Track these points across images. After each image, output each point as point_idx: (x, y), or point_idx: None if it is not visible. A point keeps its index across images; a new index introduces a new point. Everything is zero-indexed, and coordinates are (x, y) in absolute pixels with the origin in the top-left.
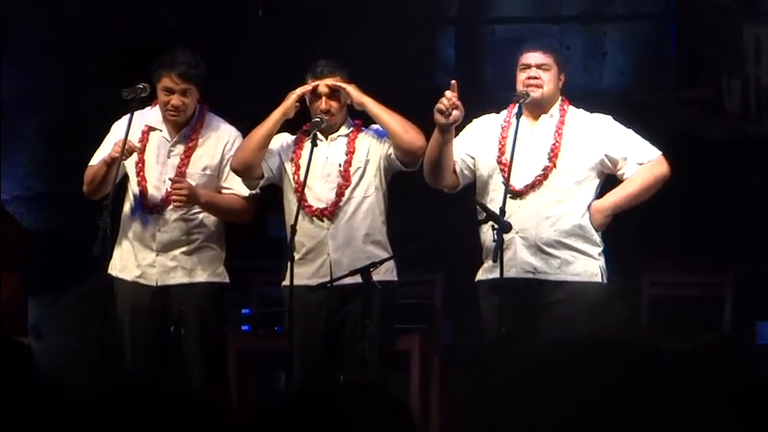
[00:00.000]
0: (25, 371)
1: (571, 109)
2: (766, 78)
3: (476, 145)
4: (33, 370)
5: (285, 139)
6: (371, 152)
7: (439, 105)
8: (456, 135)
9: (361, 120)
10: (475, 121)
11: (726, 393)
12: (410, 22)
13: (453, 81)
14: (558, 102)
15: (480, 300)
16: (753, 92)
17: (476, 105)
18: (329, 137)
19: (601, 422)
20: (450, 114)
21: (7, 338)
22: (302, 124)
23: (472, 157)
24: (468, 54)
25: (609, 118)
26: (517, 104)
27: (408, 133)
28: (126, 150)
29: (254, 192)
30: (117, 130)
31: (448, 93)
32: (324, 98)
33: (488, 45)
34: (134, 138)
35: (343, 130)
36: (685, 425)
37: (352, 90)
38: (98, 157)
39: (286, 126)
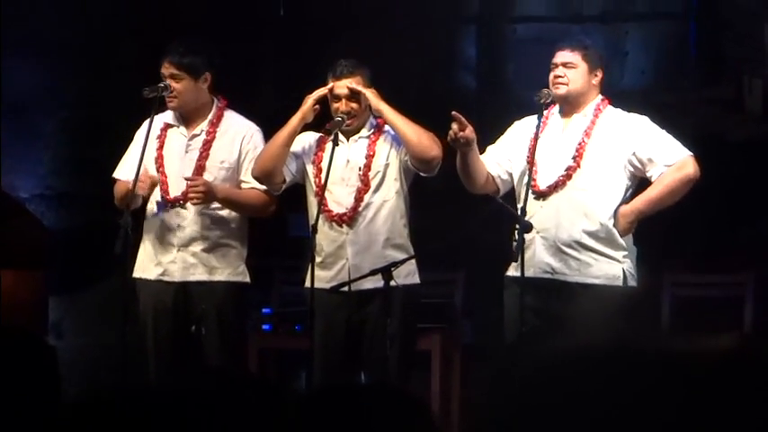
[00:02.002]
0: (47, 373)
1: (608, 108)
2: None
3: (513, 148)
4: (55, 373)
5: (308, 139)
6: (391, 156)
7: (450, 135)
8: (497, 139)
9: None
10: (516, 123)
11: (750, 397)
12: (431, 21)
13: (454, 113)
14: (596, 100)
15: (505, 294)
16: None
17: (497, 105)
18: (350, 138)
19: (621, 429)
20: (462, 142)
21: (35, 337)
22: (326, 123)
23: (510, 161)
24: (489, 53)
25: (645, 118)
26: (544, 104)
27: (422, 143)
28: (149, 186)
29: None
30: (140, 137)
31: (454, 126)
32: (344, 100)
33: (510, 44)
34: (153, 136)
35: (364, 131)
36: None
37: (370, 95)
38: (122, 168)
39: (311, 125)
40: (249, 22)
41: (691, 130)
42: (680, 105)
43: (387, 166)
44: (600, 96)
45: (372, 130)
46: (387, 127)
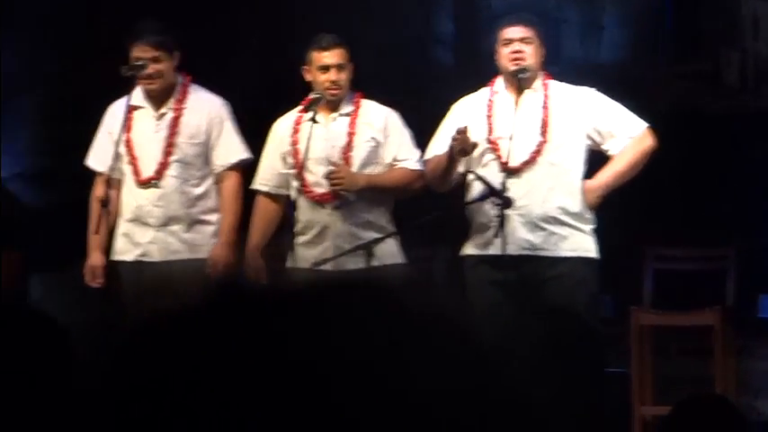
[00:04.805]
0: (58, 356)
1: (552, 82)
2: (764, 51)
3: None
4: (67, 356)
5: (281, 134)
6: (374, 135)
7: (456, 145)
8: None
9: (362, 93)
10: (453, 108)
11: None
12: None
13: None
14: (540, 76)
15: (466, 273)
16: (751, 65)
17: (475, 79)
18: (330, 116)
19: None
20: (468, 150)
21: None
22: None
23: None
24: (466, 28)
25: (593, 90)
26: (517, 80)
27: (408, 192)
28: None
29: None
30: (110, 121)
31: (464, 137)
32: (333, 69)
33: (485, 19)
34: (122, 119)
35: (344, 108)
36: None
37: (347, 177)
38: (94, 155)
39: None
40: None
41: (668, 104)
42: (657, 79)
43: (368, 145)
44: (541, 71)
45: (351, 108)
46: (364, 103)
